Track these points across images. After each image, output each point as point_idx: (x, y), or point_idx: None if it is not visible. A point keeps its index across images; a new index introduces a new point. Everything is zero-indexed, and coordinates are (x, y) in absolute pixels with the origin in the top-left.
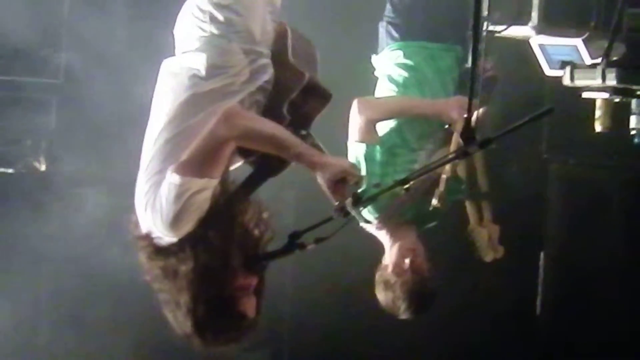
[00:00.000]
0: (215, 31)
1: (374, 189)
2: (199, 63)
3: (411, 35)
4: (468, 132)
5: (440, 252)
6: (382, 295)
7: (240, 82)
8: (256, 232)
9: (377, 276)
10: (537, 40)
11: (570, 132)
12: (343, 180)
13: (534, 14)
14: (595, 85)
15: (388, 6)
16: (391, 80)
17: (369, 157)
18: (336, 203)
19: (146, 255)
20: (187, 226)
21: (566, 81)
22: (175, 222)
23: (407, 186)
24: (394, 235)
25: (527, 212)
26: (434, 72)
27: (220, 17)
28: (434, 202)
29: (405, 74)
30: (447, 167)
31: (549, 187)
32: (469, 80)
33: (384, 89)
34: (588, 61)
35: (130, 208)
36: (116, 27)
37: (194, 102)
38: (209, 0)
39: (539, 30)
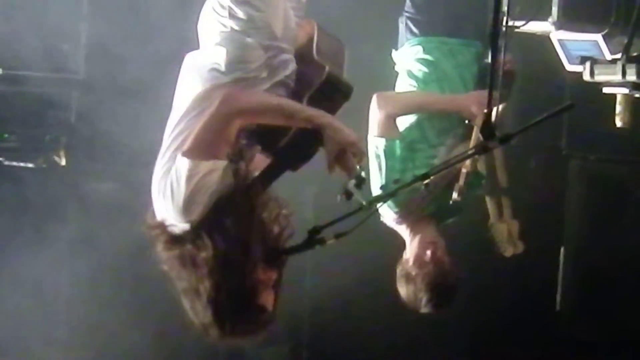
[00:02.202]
0: (235, 27)
1: (394, 184)
2: (219, 57)
3: (431, 31)
4: (488, 128)
5: (460, 247)
6: (403, 289)
7: (259, 77)
8: (276, 228)
9: (398, 270)
10: (557, 36)
11: (591, 127)
12: (344, 152)
13: (554, 9)
14: (616, 80)
15: (408, 2)
16: (411, 75)
17: (388, 152)
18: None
19: (162, 244)
20: (198, 210)
21: (586, 77)
22: (186, 205)
23: (427, 181)
24: (415, 229)
25: (547, 207)
26: (454, 67)
27: (240, 14)
28: (454, 196)
29: (425, 69)
30: (467, 161)
31: (569, 183)
32: (488, 75)
33: (404, 84)
34: (608, 57)
35: (149, 202)
36: (136, 23)
37: (211, 95)
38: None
39: (559, 25)
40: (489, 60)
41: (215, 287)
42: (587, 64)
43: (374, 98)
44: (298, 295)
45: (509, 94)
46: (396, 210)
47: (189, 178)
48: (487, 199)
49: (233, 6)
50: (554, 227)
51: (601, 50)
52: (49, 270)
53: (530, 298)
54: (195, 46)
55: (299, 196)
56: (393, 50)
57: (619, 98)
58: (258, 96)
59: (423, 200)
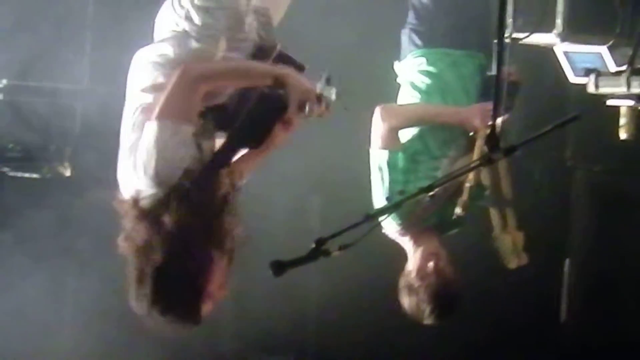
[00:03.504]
0: (188, 29)
1: (398, 196)
2: (165, 56)
3: (434, 42)
4: (493, 140)
5: (464, 259)
6: (406, 300)
7: None
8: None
9: (401, 282)
10: (561, 48)
11: (595, 139)
12: (304, 101)
13: (558, 21)
14: (620, 92)
15: (411, 13)
16: (414, 87)
17: (391, 164)
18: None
19: (132, 217)
20: (169, 173)
21: (591, 89)
22: (156, 169)
23: (431, 193)
24: (417, 241)
25: (552, 219)
26: (457, 79)
27: (197, 19)
28: (457, 210)
29: (427, 80)
30: (471, 174)
31: (574, 194)
32: (492, 87)
33: (407, 96)
34: (613, 69)
35: None
36: (141, 32)
37: (153, 76)
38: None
39: (564, 37)
40: (493, 71)
41: (167, 258)
42: (592, 76)
43: (377, 110)
44: (303, 304)
45: (513, 105)
46: (399, 222)
47: (157, 140)
48: (492, 210)
49: (191, 9)
50: (558, 238)
51: (605, 63)
52: (54, 280)
53: (534, 309)
54: None
55: (305, 206)
56: (396, 62)
57: (623, 110)
58: (218, 62)
59: (425, 212)
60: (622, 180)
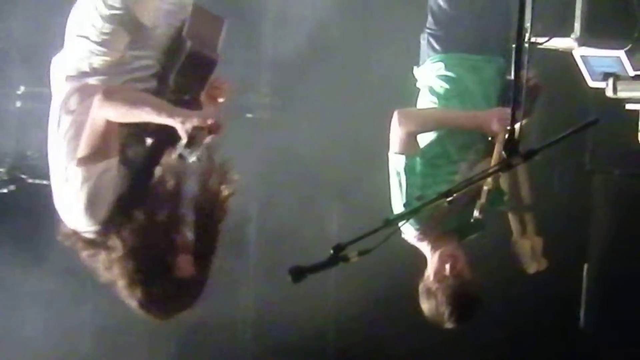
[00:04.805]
0: (92, 37)
1: (416, 201)
2: (70, 63)
3: (452, 47)
4: (512, 144)
5: (483, 264)
6: (425, 305)
7: (104, 81)
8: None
9: (420, 287)
10: (579, 52)
11: (614, 143)
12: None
13: (577, 26)
14: (638, 96)
15: (430, 18)
16: (432, 92)
17: (409, 169)
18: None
19: (80, 249)
20: (102, 210)
21: (609, 93)
22: (88, 208)
23: (450, 199)
24: (435, 245)
25: (571, 223)
26: (476, 83)
27: (100, 24)
28: (476, 213)
29: (446, 85)
30: (489, 178)
31: (593, 199)
32: (511, 91)
33: (426, 101)
34: (631, 73)
35: None
36: None
37: (72, 99)
38: (96, 8)
39: (582, 41)
40: (511, 76)
41: (129, 282)
42: (610, 80)
43: (395, 115)
44: (322, 314)
45: (532, 109)
46: (417, 227)
47: (83, 182)
48: (511, 215)
49: (98, 18)
50: (577, 243)
51: (624, 67)
52: (73, 284)
53: (553, 314)
54: None
55: (323, 212)
56: (415, 67)
57: None
58: (125, 103)
59: (444, 217)
60: None
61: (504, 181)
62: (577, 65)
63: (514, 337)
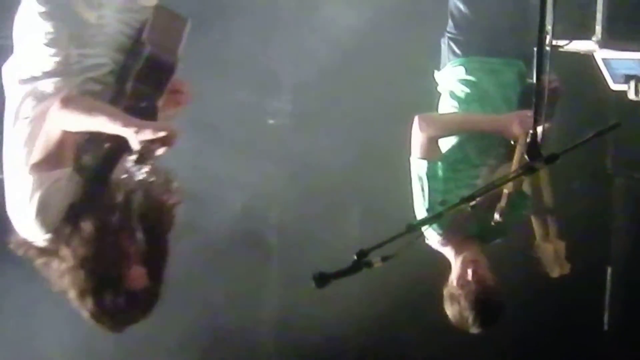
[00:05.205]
0: (37, 38)
1: (439, 206)
2: (21, 67)
3: (473, 51)
4: (534, 148)
5: (506, 268)
6: (449, 310)
7: (57, 83)
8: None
9: (444, 292)
10: (601, 54)
11: (636, 146)
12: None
13: (598, 28)
14: None
15: (450, 22)
16: (453, 96)
17: (431, 174)
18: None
19: (33, 258)
20: (53, 218)
21: (631, 95)
22: (38, 216)
23: (473, 203)
24: (459, 250)
25: (593, 227)
26: (496, 87)
27: (41, 24)
28: (496, 217)
29: (467, 89)
30: (510, 182)
31: (615, 202)
32: (531, 94)
33: (447, 105)
34: None
35: None
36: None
37: (26, 105)
38: (33, 6)
39: (603, 44)
40: (532, 79)
41: (80, 293)
42: (632, 83)
43: (416, 120)
44: (345, 319)
45: (553, 113)
46: (440, 232)
47: (34, 191)
48: (533, 219)
49: (39, 18)
50: (600, 246)
51: None
52: None
53: (577, 318)
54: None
55: (346, 218)
56: (435, 71)
57: None
58: (80, 111)
59: (466, 221)
60: None
61: (526, 185)
62: (598, 68)
63: (538, 340)
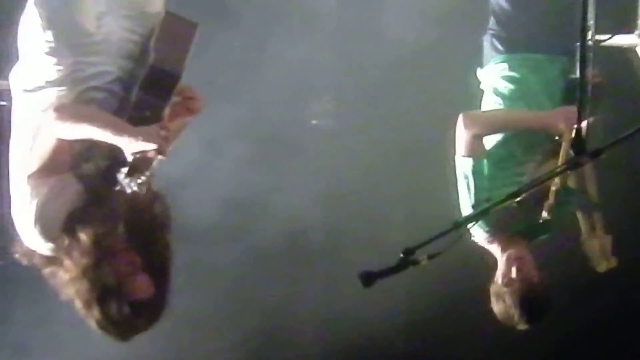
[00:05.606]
0: (39, 47)
1: (485, 203)
2: (25, 76)
3: (515, 48)
4: (579, 143)
5: (553, 263)
6: (496, 308)
7: (61, 92)
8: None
9: (491, 289)
10: None
11: None
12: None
13: None
14: None
15: (492, 19)
16: (497, 93)
17: (476, 172)
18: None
19: (40, 268)
20: (54, 227)
21: None
22: (37, 225)
23: (519, 199)
24: (505, 247)
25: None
26: (540, 83)
27: (42, 32)
28: (544, 214)
29: (510, 86)
30: (556, 178)
31: None
32: (575, 90)
33: (490, 102)
34: None
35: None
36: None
37: (28, 113)
38: (34, 14)
39: None
40: (575, 74)
41: (86, 304)
42: None
43: (460, 118)
44: (391, 319)
45: (597, 108)
46: (487, 229)
47: (32, 198)
48: (579, 214)
49: (40, 27)
50: None
51: None
52: None
53: (625, 313)
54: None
55: (390, 216)
56: (478, 69)
57: None
58: (75, 119)
59: (513, 218)
60: None
61: (571, 180)
62: None
63: (586, 335)
